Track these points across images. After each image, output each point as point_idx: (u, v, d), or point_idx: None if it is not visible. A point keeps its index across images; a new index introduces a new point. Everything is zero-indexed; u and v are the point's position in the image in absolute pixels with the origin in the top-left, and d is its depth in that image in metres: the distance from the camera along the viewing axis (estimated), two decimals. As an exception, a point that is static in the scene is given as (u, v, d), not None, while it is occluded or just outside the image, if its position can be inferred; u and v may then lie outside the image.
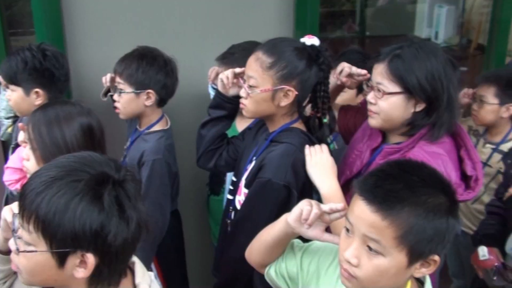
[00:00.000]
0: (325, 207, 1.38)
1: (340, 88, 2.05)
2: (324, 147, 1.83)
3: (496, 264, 2.08)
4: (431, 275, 1.28)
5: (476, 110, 2.64)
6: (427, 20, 8.57)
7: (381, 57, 1.74)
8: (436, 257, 1.19)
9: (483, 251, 2.10)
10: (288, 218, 1.39)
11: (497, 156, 2.61)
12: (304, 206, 1.36)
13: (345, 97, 2.20)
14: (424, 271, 1.21)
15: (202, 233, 2.85)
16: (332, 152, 1.88)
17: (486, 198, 2.55)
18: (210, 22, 2.59)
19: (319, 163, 1.79)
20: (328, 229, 1.42)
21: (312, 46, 1.81)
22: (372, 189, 1.17)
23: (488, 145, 2.69)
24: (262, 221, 1.57)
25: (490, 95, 2.56)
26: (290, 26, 2.67)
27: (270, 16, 2.67)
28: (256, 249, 1.52)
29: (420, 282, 1.30)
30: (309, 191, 1.83)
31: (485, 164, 2.63)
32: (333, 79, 1.98)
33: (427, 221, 1.14)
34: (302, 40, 1.83)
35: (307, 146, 1.81)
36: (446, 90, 1.70)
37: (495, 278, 2.12)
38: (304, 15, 2.63)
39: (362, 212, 1.17)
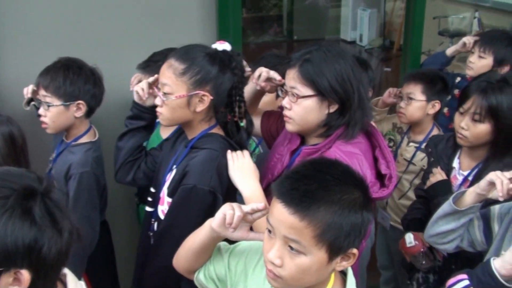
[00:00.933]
0: (247, 208, 1.41)
1: (261, 93, 2.08)
2: (246, 152, 1.87)
3: (422, 249, 2.18)
4: (353, 267, 1.33)
5: (403, 108, 2.74)
6: (351, 23, 8.90)
7: (292, 62, 1.79)
8: (355, 250, 1.25)
9: (409, 238, 2.19)
10: (212, 224, 1.42)
11: (420, 155, 2.72)
12: (226, 211, 1.39)
13: (265, 100, 2.24)
14: (345, 264, 1.26)
15: (133, 244, 2.81)
16: (257, 156, 1.93)
17: (412, 194, 2.65)
18: (131, 30, 2.57)
19: (241, 167, 1.82)
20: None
21: (224, 51, 1.85)
22: (289, 191, 1.21)
23: (412, 144, 2.80)
24: (189, 227, 1.57)
25: (417, 92, 2.68)
26: (213, 32, 2.70)
27: (193, 23, 2.68)
28: (183, 256, 1.53)
29: (343, 273, 1.36)
30: (233, 194, 1.86)
31: (409, 162, 2.76)
32: (252, 84, 2.02)
33: (343, 218, 1.19)
34: (214, 45, 1.86)
35: (229, 151, 1.84)
36: (356, 90, 1.77)
37: (423, 262, 2.22)
38: (227, 21, 2.67)
39: (281, 214, 1.21)
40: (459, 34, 6.69)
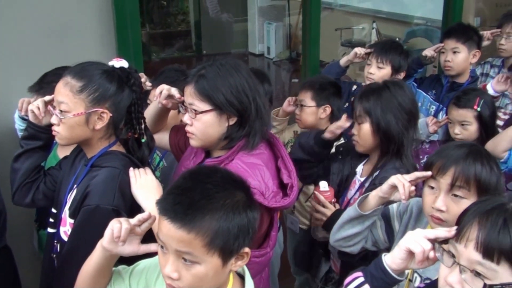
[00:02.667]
0: (133, 220, 1.43)
1: (166, 109, 2.08)
2: (148, 169, 1.86)
3: (333, 200, 2.26)
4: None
5: (298, 114, 2.86)
6: (258, 36, 9.10)
7: (188, 79, 1.83)
8: (247, 249, 1.30)
9: (323, 184, 2.26)
10: (103, 242, 1.42)
11: None
12: (114, 225, 1.40)
13: (170, 115, 2.25)
14: (240, 264, 1.32)
15: (38, 269, 2.70)
16: (161, 170, 1.92)
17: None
18: (24, 49, 2.48)
19: (144, 185, 1.80)
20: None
21: (122, 68, 1.84)
22: (172, 207, 1.25)
23: None
24: (94, 249, 1.53)
25: (308, 99, 2.80)
26: (112, 49, 2.67)
27: (91, 40, 2.64)
28: (82, 282, 1.50)
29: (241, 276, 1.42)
30: (138, 212, 1.83)
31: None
32: (156, 102, 2.02)
33: (229, 222, 1.24)
34: (111, 63, 1.85)
35: (131, 169, 1.82)
36: (253, 101, 1.82)
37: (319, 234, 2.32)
38: (126, 38, 2.65)
39: (169, 230, 1.23)
40: (360, 44, 7.03)
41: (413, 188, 1.73)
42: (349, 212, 1.89)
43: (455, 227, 1.24)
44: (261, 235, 1.88)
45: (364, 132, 2.19)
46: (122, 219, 1.41)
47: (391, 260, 1.38)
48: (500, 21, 3.51)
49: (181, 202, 1.24)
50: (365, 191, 2.17)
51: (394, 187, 1.75)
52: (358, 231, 1.88)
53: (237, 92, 1.79)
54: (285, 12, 8.83)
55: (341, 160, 2.40)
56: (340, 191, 2.36)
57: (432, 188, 1.67)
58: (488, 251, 1.14)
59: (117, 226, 1.39)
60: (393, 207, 1.92)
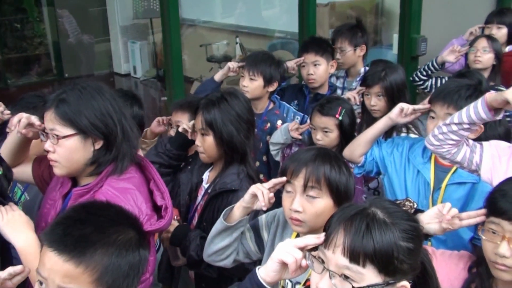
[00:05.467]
0: (3, 274, 1.34)
1: (27, 139, 1.96)
2: (13, 205, 1.77)
3: (176, 217, 2.32)
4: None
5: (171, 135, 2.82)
6: (123, 56, 8.89)
7: (48, 104, 1.75)
8: None
9: None
10: None
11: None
12: None
13: (33, 144, 2.11)
14: None
15: None
16: (23, 204, 1.80)
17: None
18: None
19: (12, 220, 1.71)
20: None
21: None
22: (61, 238, 1.18)
23: None
24: None
25: (185, 120, 2.74)
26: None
27: None
28: None
29: None
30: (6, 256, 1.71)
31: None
32: (15, 132, 1.90)
33: (121, 258, 1.19)
34: None
35: None
36: (118, 123, 1.78)
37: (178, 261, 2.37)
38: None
39: (55, 263, 1.16)
40: (226, 59, 7.17)
41: (271, 194, 1.80)
42: (216, 225, 1.92)
43: (323, 234, 1.29)
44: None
45: (209, 144, 2.27)
46: None
47: (265, 273, 1.38)
48: (332, 37, 3.73)
49: (71, 234, 1.17)
50: (207, 197, 2.26)
51: (255, 196, 1.80)
52: (227, 244, 1.91)
53: (101, 114, 1.74)
54: (149, 30, 8.74)
55: (189, 169, 2.47)
56: (191, 199, 2.42)
57: (289, 191, 1.75)
58: (354, 255, 1.21)
59: None
60: (262, 218, 1.98)
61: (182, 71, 3.30)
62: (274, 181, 1.79)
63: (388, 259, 1.20)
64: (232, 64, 3.19)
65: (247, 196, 1.84)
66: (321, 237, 1.29)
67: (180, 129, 2.48)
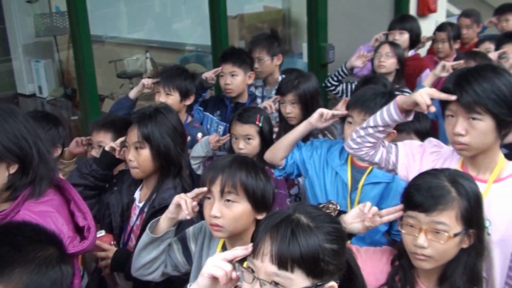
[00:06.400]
0: None
1: None
2: None
3: (112, 242, 2.29)
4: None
5: (93, 154, 2.73)
6: (26, 76, 8.49)
7: None
8: None
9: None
10: None
11: None
12: None
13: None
14: None
15: None
16: None
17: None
18: None
19: None
20: None
21: None
22: None
23: None
24: None
25: (108, 140, 2.66)
26: None
27: None
28: None
29: None
30: None
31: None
32: None
33: (41, 275, 1.18)
34: None
35: None
36: (34, 145, 1.72)
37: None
38: None
39: None
40: (136, 75, 7.06)
41: (195, 203, 1.83)
42: (143, 238, 1.92)
43: (251, 244, 1.32)
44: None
45: (144, 158, 2.25)
46: None
47: None
48: (250, 47, 3.79)
49: None
50: (146, 215, 2.23)
51: (179, 206, 1.83)
52: (155, 256, 1.90)
53: (14, 137, 1.67)
54: (53, 48, 8.41)
55: (117, 190, 2.43)
56: (123, 221, 2.38)
57: (209, 198, 1.79)
58: (282, 262, 1.24)
59: None
60: (189, 230, 1.99)
61: (96, 88, 3.22)
62: (196, 190, 1.82)
63: (314, 262, 1.25)
64: (146, 81, 3.17)
65: (171, 207, 1.85)
66: (248, 248, 1.32)
67: (107, 148, 2.42)
